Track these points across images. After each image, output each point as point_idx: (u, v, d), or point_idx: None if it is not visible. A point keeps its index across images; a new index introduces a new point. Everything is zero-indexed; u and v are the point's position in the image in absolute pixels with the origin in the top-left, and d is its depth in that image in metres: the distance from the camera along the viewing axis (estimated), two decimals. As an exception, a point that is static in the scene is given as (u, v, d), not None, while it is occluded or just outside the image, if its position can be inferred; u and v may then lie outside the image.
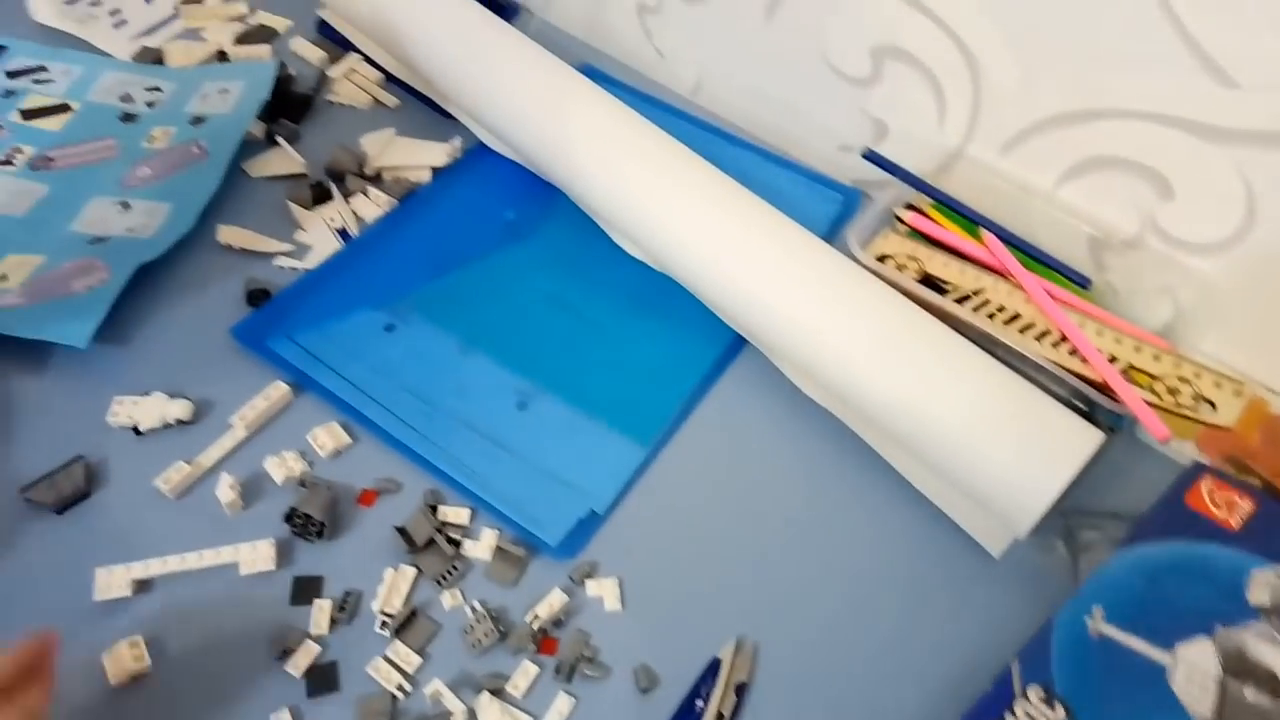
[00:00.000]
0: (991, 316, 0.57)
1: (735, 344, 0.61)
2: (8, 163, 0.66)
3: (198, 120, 0.69)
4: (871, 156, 0.65)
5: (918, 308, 0.55)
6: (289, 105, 0.71)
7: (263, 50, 0.76)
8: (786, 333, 0.57)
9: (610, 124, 0.63)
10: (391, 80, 0.75)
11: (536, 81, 0.65)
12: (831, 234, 0.68)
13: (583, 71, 0.67)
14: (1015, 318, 0.57)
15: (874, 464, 0.56)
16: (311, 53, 0.76)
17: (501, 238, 0.65)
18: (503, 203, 0.67)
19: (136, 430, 0.54)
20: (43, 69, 0.73)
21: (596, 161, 0.63)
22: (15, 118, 0.69)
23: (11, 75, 0.72)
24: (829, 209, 0.70)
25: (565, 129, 0.64)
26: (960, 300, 0.58)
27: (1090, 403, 0.54)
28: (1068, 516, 0.54)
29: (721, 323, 0.61)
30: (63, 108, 0.71)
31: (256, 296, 0.60)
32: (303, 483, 0.53)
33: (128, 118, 0.70)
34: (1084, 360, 0.55)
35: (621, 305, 0.62)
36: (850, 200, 0.70)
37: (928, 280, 0.60)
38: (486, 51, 0.67)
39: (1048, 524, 0.50)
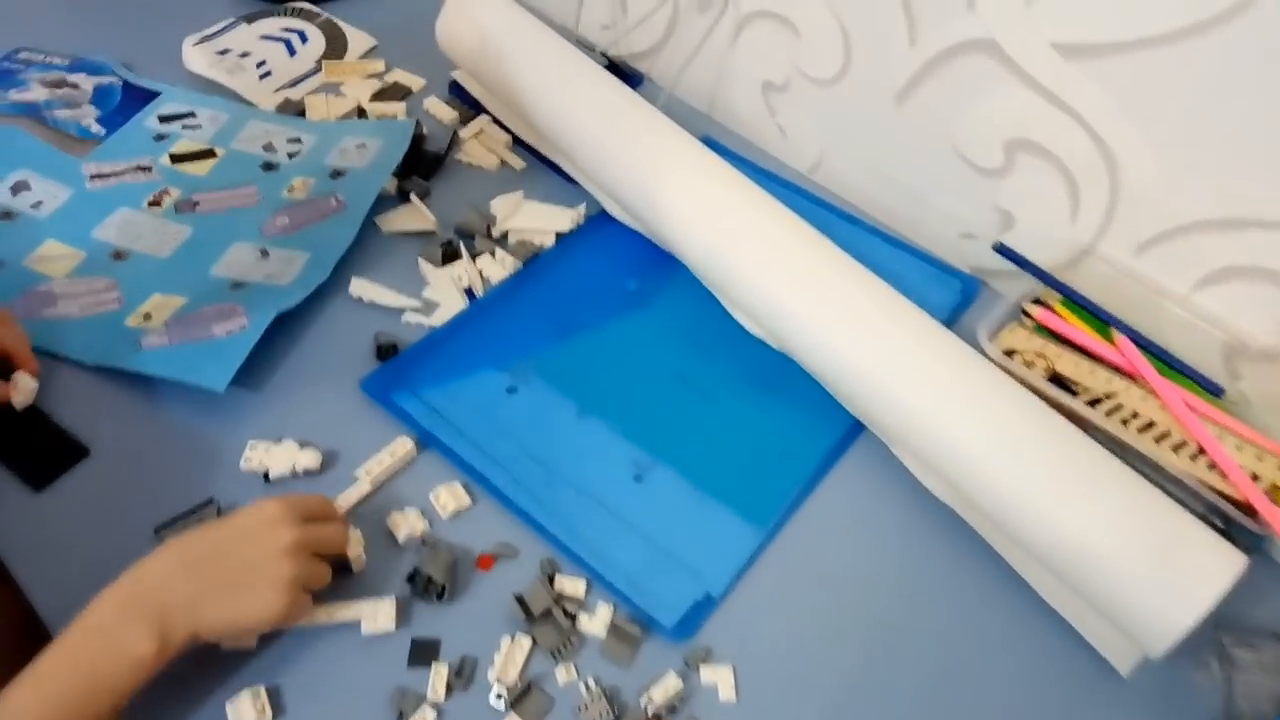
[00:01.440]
0: (1125, 423, 0.56)
1: (853, 429, 0.61)
2: (156, 204, 0.70)
3: (336, 173, 0.71)
4: (1002, 250, 0.64)
5: (1047, 407, 0.54)
6: (421, 162, 0.74)
7: (398, 108, 0.78)
8: (907, 422, 0.56)
9: (732, 199, 0.64)
10: (519, 143, 0.77)
11: (660, 152, 0.67)
12: (951, 321, 0.67)
13: (703, 143, 0.68)
14: (1150, 425, 0.56)
15: (994, 564, 0.55)
16: (444, 112, 0.79)
17: (622, 306, 0.66)
18: (624, 271, 0.68)
19: (266, 477, 0.56)
20: (192, 115, 0.77)
21: (717, 236, 0.63)
22: (165, 160, 0.73)
23: (164, 120, 0.76)
24: (948, 296, 0.69)
25: (686, 201, 0.65)
26: (1092, 403, 0.57)
27: (1228, 520, 0.52)
28: (1219, 633, 0.52)
29: (840, 406, 0.61)
30: (209, 153, 0.74)
31: (385, 351, 0.61)
32: (424, 542, 0.53)
33: (269, 167, 0.73)
34: (1224, 476, 0.53)
35: (740, 383, 0.62)
36: (970, 288, 0.70)
37: (1057, 379, 0.59)
38: (611, 119, 0.69)
39: (1186, 642, 0.48)
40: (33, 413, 0.57)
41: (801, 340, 0.60)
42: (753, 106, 0.79)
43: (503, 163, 0.76)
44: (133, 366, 0.58)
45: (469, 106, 0.80)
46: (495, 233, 0.70)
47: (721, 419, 0.60)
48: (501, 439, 0.58)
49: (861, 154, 0.74)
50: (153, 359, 0.58)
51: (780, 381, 0.62)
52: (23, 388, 0.56)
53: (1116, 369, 0.59)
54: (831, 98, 0.73)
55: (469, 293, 0.66)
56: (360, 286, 0.65)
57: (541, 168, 0.76)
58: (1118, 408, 0.56)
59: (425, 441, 0.58)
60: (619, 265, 0.69)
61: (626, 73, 0.83)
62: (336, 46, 0.84)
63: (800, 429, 0.60)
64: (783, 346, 0.63)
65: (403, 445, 0.57)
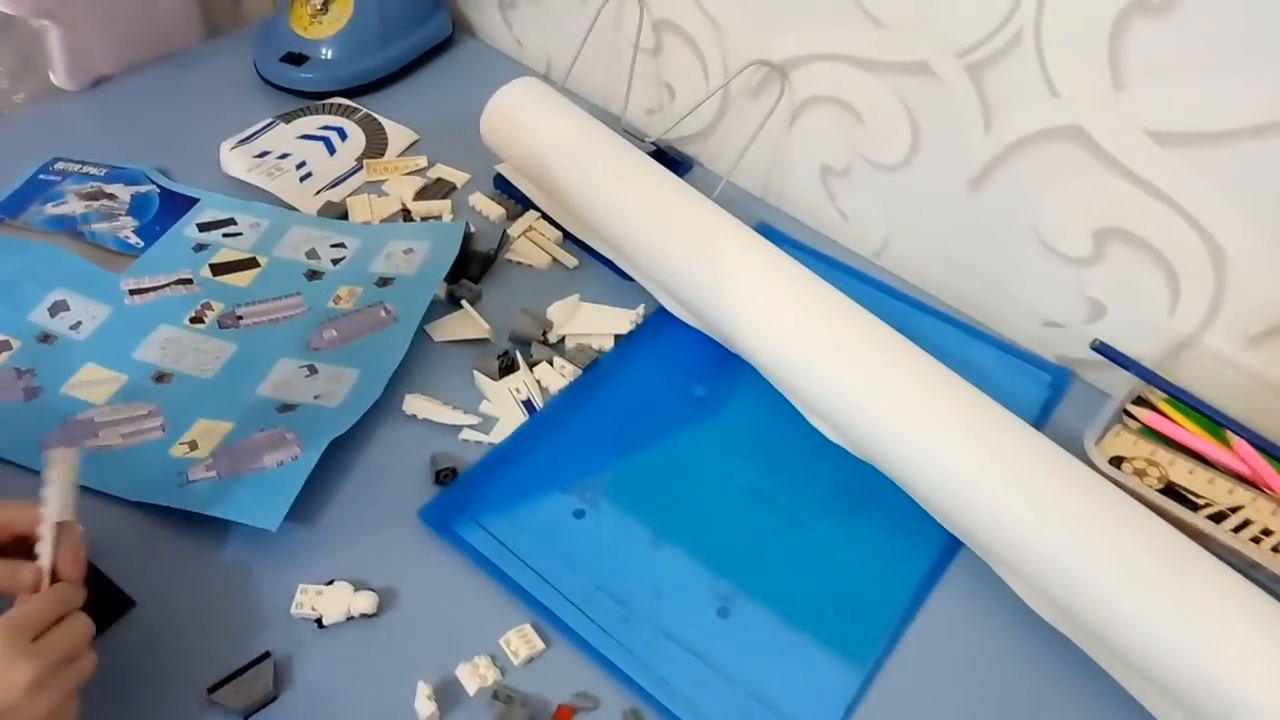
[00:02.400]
0: (1257, 541, 0.51)
1: (950, 545, 0.56)
2: (198, 320, 0.67)
3: (384, 281, 0.69)
4: (1103, 349, 0.60)
5: (1164, 523, 0.50)
6: (470, 264, 0.71)
7: (443, 206, 0.76)
8: (1009, 540, 0.52)
9: (800, 295, 0.61)
10: (570, 239, 0.74)
11: (717, 246, 0.63)
12: (1044, 420, 0.63)
13: (759, 230, 0.65)
14: (1283, 542, 0.51)
15: (1115, 695, 0.50)
16: (490, 208, 0.76)
17: (690, 415, 0.62)
18: (689, 376, 0.64)
19: (319, 623, 0.52)
20: (232, 222, 0.74)
21: (785, 336, 0.60)
22: (206, 272, 0.70)
23: (203, 228, 0.74)
24: (1035, 390, 0.65)
25: (749, 300, 0.61)
26: (1215, 518, 0.52)
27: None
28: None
29: (934, 521, 0.56)
30: (251, 263, 0.71)
31: (444, 476, 0.58)
32: (496, 694, 0.49)
33: (313, 275, 0.70)
34: (1375, 601, 0.48)
35: (823, 498, 0.58)
36: (1059, 381, 0.65)
37: (1171, 490, 0.54)
38: (663, 213, 0.65)
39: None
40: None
41: (886, 450, 0.56)
42: (811, 190, 0.76)
43: (554, 260, 0.73)
44: (180, 504, 0.55)
45: (516, 201, 0.77)
46: (552, 338, 0.66)
47: (806, 541, 0.56)
48: (572, 571, 0.54)
49: (931, 239, 0.70)
50: (201, 495, 0.55)
51: (867, 495, 0.58)
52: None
53: (1238, 476, 0.54)
54: (897, 183, 0.69)
55: (528, 405, 0.62)
56: (414, 403, 0.62)
57: (595, 264, 0.73)
58: (1246, 524, 0.52)
59: (491, 575, 0.54)
60: (683, 369, 0.65)
61: (675, 159, 0.80)
62: (377, 143, 0.82)
63: (893, 549, 0.56)
64: (865, 455, 0.59)
65: (466, 581, 0.53)
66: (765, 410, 0.62)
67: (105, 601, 0.52)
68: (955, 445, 0.54)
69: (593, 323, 0.67)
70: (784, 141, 0.75)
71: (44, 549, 0.45)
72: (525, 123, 0.72)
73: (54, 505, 0.46)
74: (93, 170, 0.78)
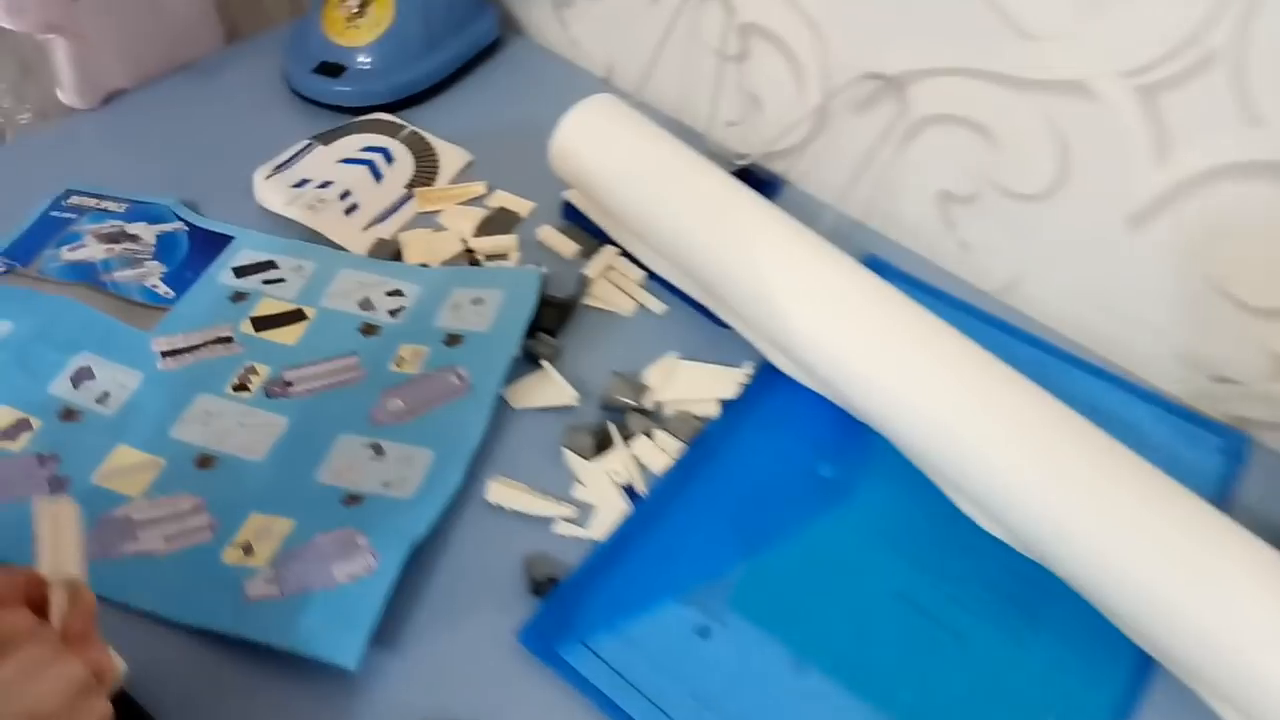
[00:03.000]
0: None
1: (1144, 665, 0.48)
2: (242, 387, 0.58)
3: (452, 339, 0.60)
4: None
5: None
6: (544, 312, 0.62)
7: (509, 243, 0.67)
8: (1220, 665, 0.44)
9: (940, 354, 0.52)
10: (653, 278, 0.66)
11: (833, 291, 0.55)
12: (1223, 496, 0.55)
13: (866, 263, 0.56)
14: None
15: None
16: (561, 244, 0.67)
17: (818, 501, 0.54)
18: (812, 451, 0.56)
19: (413, 773, 0.44)
20: (272, 264, 0.65)
21: (925, 404, 0.51)
22: (247, 328, 0.62)
23: (240, 273, 0.65)
24: (1206, 458, 0.56)
25: (878, 358, 0.53)
26: None
27: None
28: None
29: (1122, 636, 0.48)
30: (297, 315, 0.63)
31: (542, 586, 0.50)
32: None
33: (369, 329, 0.62)
34: None
35: (985, 605, 0.50)
36: (1233, 446, 0.57)
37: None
38: (766, 251, 0.57)
39: None
40: (122, 701, 0.46)
41: (1058, 546, 0.48)
42: (925, 218, 0.67)
43: (639, 305, 0.64)
44: (241, 632, 0.47)
45: (590, 234, 0.68)
46: (647, 403, 0.58)
47: (973, 660, 0.48)
48: (704, 708, 0.46)
49: (1073, 278, 0.61)
50: (263, 620, 0.47)
51: (1039, 601, 0.50)
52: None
53: None
54: (1036, 214, 0.60)
55: (629, 490, 0.54)
56: (499, 491, 0.54)
57: (685, 308, 0.64)
58: None
59: (608, 711, 0.46)
60: (805, 443, 0.56)
61: (762, 179, 0.71)
62: (427, 166, 0.73)
63: (1076, 669, 0.48)
64: (1032, 552, 0.51)
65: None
66: (906, 494, 0.54)
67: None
68: (1143, 542, 0.46)
69: (694, 385, 0.58)
70: (896, 164, 0.66)
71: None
72: (603, 148, 0.63)
73: (45, 560, 0.38)
74: (111, 205, 0.69)
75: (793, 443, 0.56)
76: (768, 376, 0.59)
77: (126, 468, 0.54)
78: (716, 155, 0.64)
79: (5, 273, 0.64)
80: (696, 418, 0.57)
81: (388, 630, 0.48)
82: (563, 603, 0.50)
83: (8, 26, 0.68)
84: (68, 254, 0.65)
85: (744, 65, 0.70)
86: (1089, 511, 0.47)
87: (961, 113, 0.60)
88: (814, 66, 0.66)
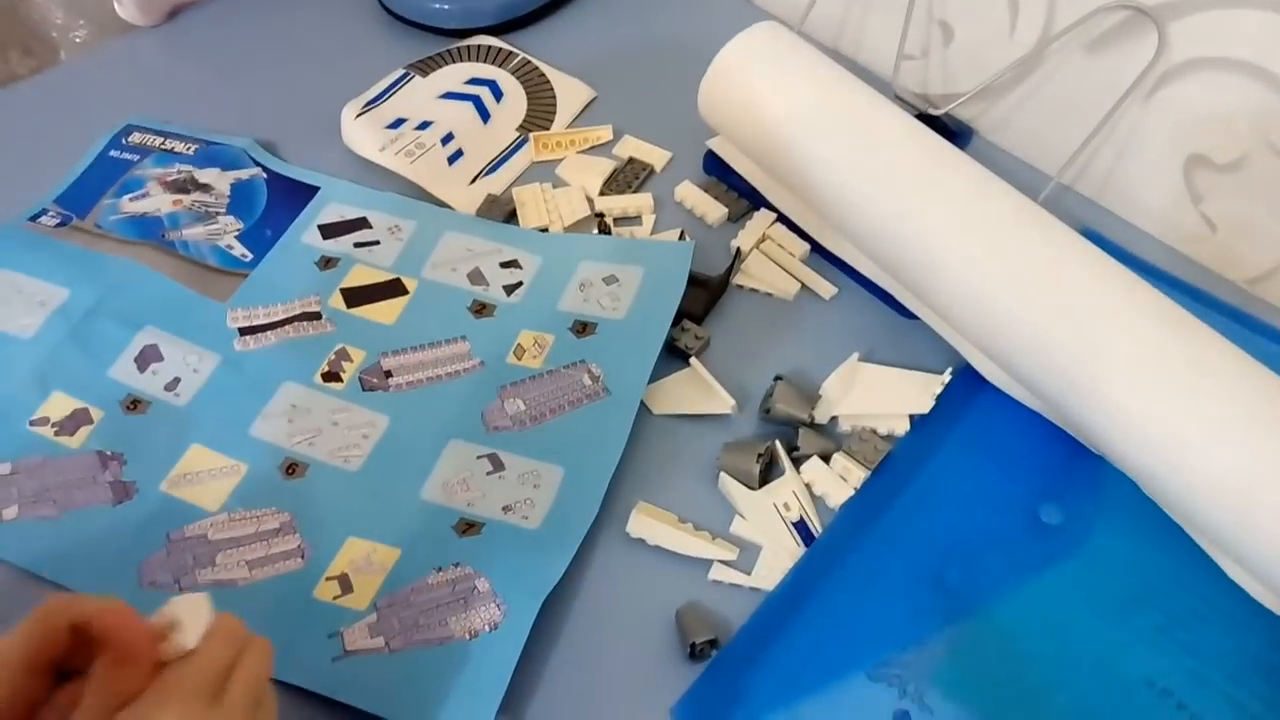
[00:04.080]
0: None
1: None
2: (333, 377, 0.49)
3: (582, 327, 0.50)
4: None
5: None
6: (687, 292, 0.51)
7: (642, 202, 0.55)
8: None
9: (1205, 371, 0.40)
10: (820, 252, 0.54)
11: (1062, 281, 0.43)
12: None
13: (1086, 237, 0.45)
14: None
15: None
16: (706, 206, 0.56)
17: (1041, 554, 0.43)
18: (1032, 489, 0.45)
19: None
20: (364, 223, 0.55)
21: (1172, 427, 0.40)
22: (337, 301, 0.52)
23: (327, 233, 0.55)
24: None
25: (1121, 374, 0.41)
26: None
27: None
28: None
29: None
30: (395, 287, 0.53)
31: (701, 651, 0.40)
32: None
33: (481, 309, 0.51)
34: None
35: (1263, 703, 0.39)
36: None
37: None
38: (973, 224, 0.45)
39: None
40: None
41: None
42: (1163, 187, 0.53)
43: (803, 286, 0.53)
44: (338, 695, 0.38)
45: (739, 193, 0.56)
46: (820, 416, 0.47)
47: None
48: (907, 820, 0.37)
49: (1365, 273, 0.48)
50: (364, 680, 0.38)
51: (1333, 701, 0.39)
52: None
53: None
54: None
55: (801, 528, 0.44)
56: (643, 523, 0.44)
57: (861, 292, 0.53)
58: None
59: (785, 818, 0.37)
60: (1021, 477, 0.45)
61: (951, 129, 0.59)
62: (542, 103, 0.61)
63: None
64: (1326, 638, 0.40)
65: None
66: (1157, 551, 0.43)
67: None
68: None
69: (878, 396, 0.47)
70: (1131, 117, 0.52)
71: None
72: (768, 87, 0.51)
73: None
74: (178, 146, 0.59)
75: (1005, 475, 0.45)
76: (970, 386, 0.48)
77: (201, 474, 0.46)
78: (898, 100, 0.51)
79: (60, 225, 0.55)
80: (883, 437, 0.46)
81: (512, 696, 0.39)
82: (726, 670, 0.40)
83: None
84: (129, 204, 0.56)
85: (934, -15, 0.57)
86: None
87: (1245, 57, 0.46)
88: (1035, -11, 0.53)
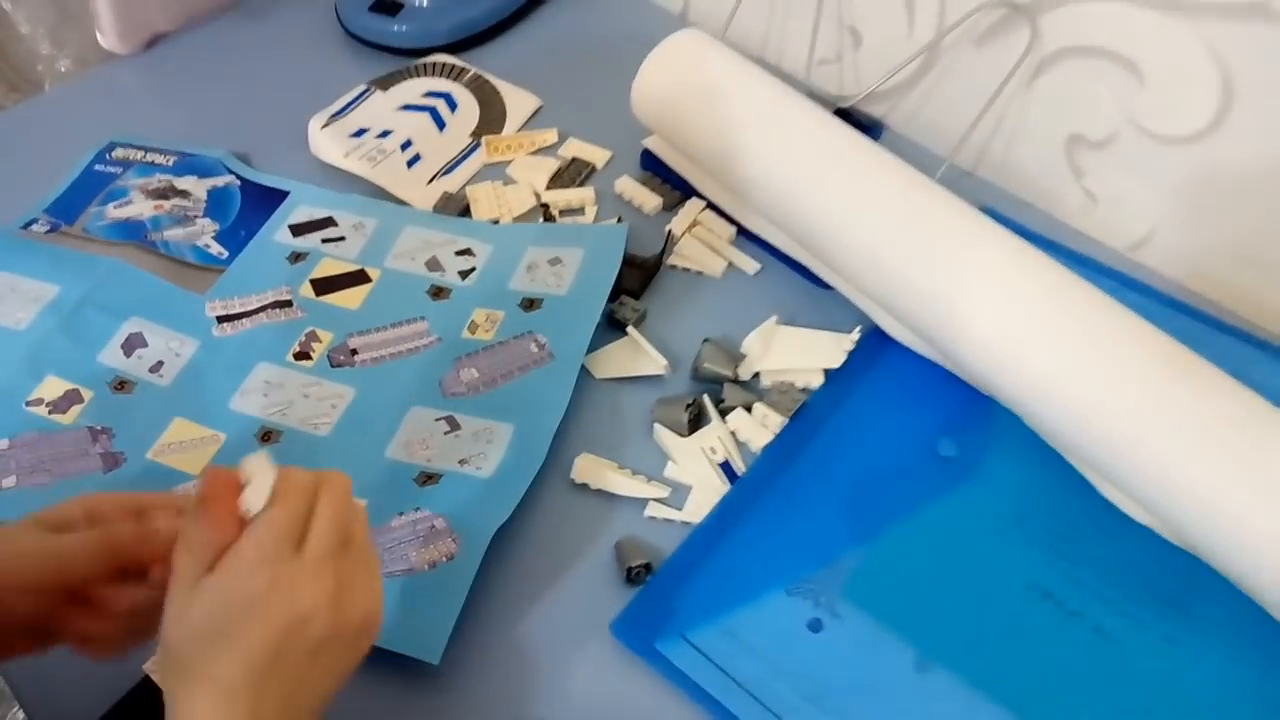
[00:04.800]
0: None
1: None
2: (304, 355, 0.54)
3: (529, 303, 0.55)
4: None
5: None
6: (626, 272, 0.56)
7: (584, 195, 0.61)
8: None
9: (1082, 319, 0.46)
10: (744, 234, 0.60)
11: (955, 247, 0.49)
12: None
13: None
14: None
15: None
16: (642, 197, 0.61)
17: (939, 482, 0.48)
18: (931, 427, 0.50)
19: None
20: (330, 222, 0.61)
21: (1063, 376, 0.45)
22: (307, 290, 0.57)
23: (296, 231, 0.60)
24: (1381, 437, 0.50)
25: (1007, 323, 0.47)
26: None
27: None
28: None
29: (1288, 635, 0.43)
30: (360, 276, 0.58)
31: (637, 574, 0.45)
32: None
33: (439, 292, 0.57)
34: None
35: (1132, 600, 0.44)
36: None
37: None
38: (878, 201, 0.51)
39: None
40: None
41: (1213, 536, 0.43)
42: (1049, 166, 0.60)
43: (730, 265, 0.59)
44: (312, 624, 0.43)
45: (672, 185, 0.62)
46: (745, 373, 0.53)
47: (1120, 660, 0.43)
48: (816, 709, 0.41)
49: (1220, 232, 0.54)
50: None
51: (1189, 594, 0.44)
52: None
53: None
54: (1186, 158, 0.53)
55: (726, 469, 0.49)
56: (585, 469, 0.49)
57: (781, 267, 0.58)
58: None
59: (709, 709, 0.42)
60: (922, 418, 0.51)
61: (863, 123, 0.65)
62: (493, 113, 0.67)
63: (1235, 670, 0.42)
64: (1183, 541, 0.45)
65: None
66: (1038, 475, 0.48)
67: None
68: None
69: (796, 353, 0.53)
70: (1017, 104, 0.59)
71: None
72: (692, 88, 0.57)
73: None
74: (158, 159, 0.64)
75: (908, 417, 0.51)
76: (876, 342, 0.54)
77: (185, 442, 0.50)
78: (812, 98, 0.57)
79: (50, 232, 0.60)
80: (799, 389, 0.52)
81: (467, 623, 0.44)
82: (659, 592, 0.45)
83: (46, -36, 0.63)
84: (114, 211, 0.61)
85: (843, -5, 0.64)
86: (1252, 494, 0.41)
87: (1105, 44, 0.53)
88: (926, -6, 0.59)
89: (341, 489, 0.34)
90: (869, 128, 0.65)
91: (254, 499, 0.32)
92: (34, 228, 0.60)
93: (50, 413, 0.51)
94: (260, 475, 0.33)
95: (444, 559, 0.44)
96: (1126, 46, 0.52)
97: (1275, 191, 0.51)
